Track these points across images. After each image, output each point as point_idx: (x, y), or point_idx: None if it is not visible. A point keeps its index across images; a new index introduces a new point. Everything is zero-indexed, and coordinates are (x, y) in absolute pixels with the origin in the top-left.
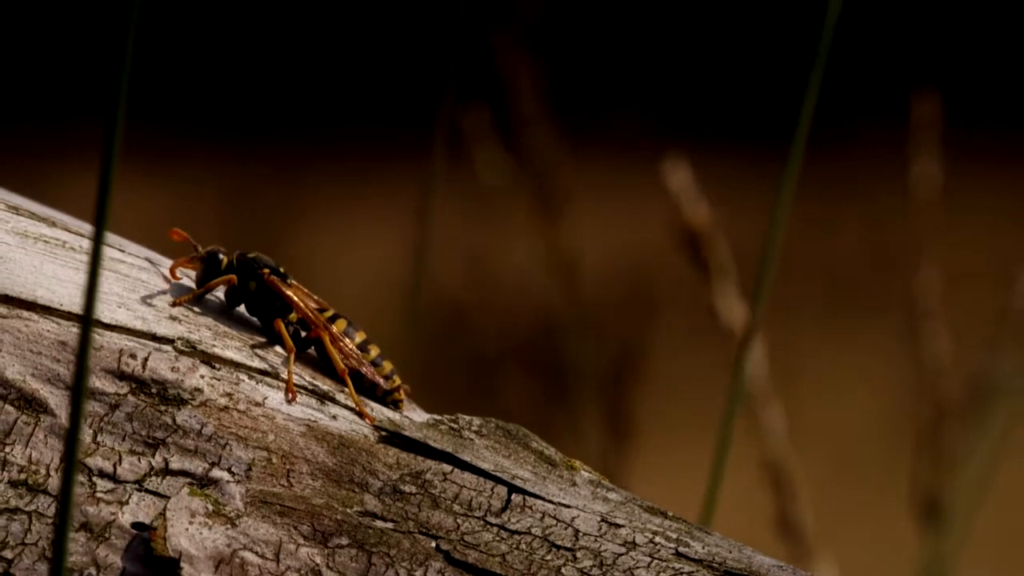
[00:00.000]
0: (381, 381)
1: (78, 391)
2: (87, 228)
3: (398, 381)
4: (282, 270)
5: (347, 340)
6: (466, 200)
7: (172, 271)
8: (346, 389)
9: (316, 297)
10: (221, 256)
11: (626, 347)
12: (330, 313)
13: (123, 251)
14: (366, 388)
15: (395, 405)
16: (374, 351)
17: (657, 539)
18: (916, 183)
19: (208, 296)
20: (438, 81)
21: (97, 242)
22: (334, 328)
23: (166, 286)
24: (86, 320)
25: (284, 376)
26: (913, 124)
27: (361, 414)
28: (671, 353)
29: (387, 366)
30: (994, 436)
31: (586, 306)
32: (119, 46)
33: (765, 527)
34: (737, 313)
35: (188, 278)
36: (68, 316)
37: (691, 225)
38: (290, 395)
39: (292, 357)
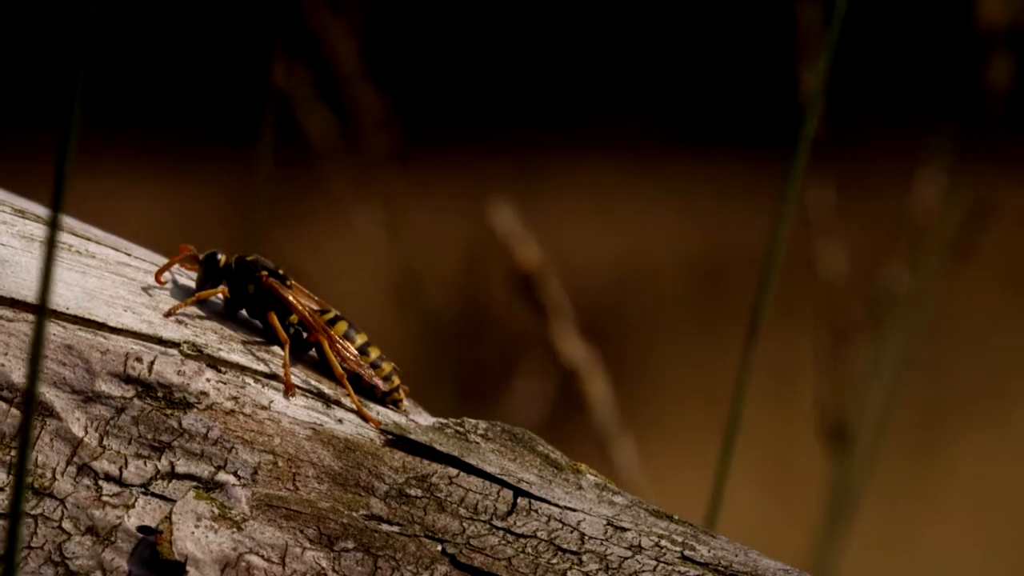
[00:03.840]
0: (380, 383)
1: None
2: (93, 232)
3: (397, 381)
4: (281, 272)
5: (346, 343)
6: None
7: (157, 276)
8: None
9: (317, 298)
10: (219, 257)
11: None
12: (331, 315)
13: (129, 255)
14: (366, 390)
15: (395, 405)
16: (374, 353)
17: (663, 543)
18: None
19: (212, 299)
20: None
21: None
22: (334, 331)
23: (171, 290)
24: (41, 309)
25: (282, 373)
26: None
27: (364, 418)
28: (668, 354)
29: (387, 367)
30: (896, 353)
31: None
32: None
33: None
34: (577, 351)
35: (190, 279)
36: (74, 320)
37: (523, 267)
38: (289, 392)
39: (288, 349)
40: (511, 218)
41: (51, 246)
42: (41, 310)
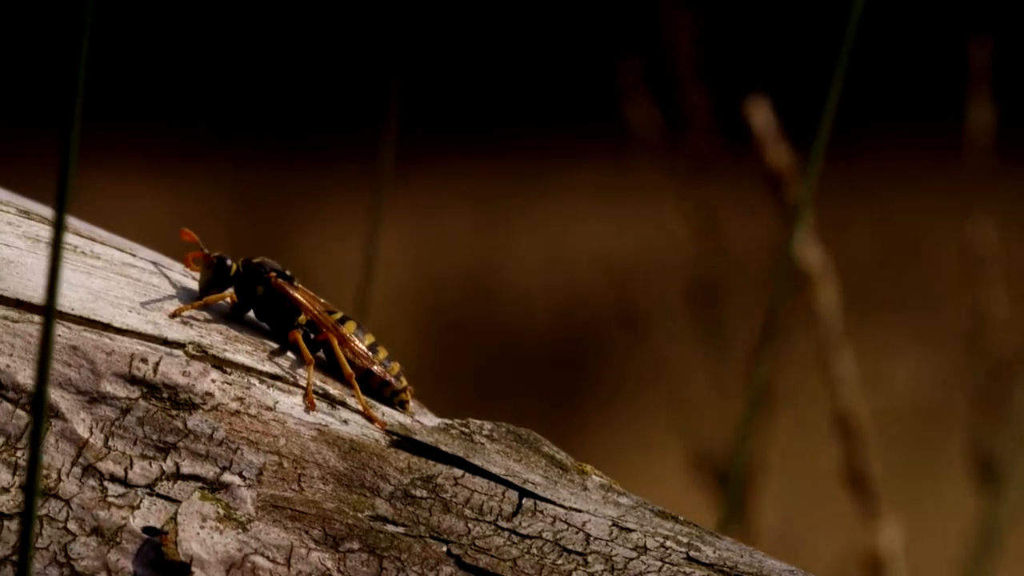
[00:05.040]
0: (392, 380)
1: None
2: (98, 232)
3: (405, 382)
4: (288, 273)
5: (357, 341)
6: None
7: (187, 262)
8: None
9: (323, 300)
10: (229, 262)
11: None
12: (339, 315)
13: (134, 255)
14: (373, 390)
15: (402, 406)
16: (383, 353)
17: (668, 543)
18: (969, 129)
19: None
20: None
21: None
22: (343, 330)
23: (177, 291)
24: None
25: (295, 380)
26: (971, 71)
27: (370, 418)
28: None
29: (395, 367)
30: None
31: (730, 265)
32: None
33: (830, 479)
34: (812, 256)
35: (194, 279)
36: (79, 320)
37: (773, 167)
38: (309, 406)
39: (311, 369)
40: (768, 117)
41: (56, 248)
42: (48, 313)
